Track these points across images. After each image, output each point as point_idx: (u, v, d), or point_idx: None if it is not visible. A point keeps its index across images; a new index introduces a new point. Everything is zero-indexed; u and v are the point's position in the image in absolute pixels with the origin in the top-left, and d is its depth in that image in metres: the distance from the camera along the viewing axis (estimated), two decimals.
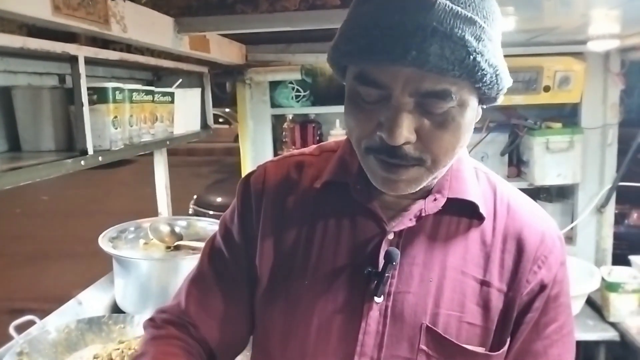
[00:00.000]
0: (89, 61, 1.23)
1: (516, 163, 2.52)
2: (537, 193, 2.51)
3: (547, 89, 2.26)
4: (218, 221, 0.97)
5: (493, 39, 0.66)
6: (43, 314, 1.77)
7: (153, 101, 1.59)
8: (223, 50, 2.01)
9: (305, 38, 2.29)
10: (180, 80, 1.94)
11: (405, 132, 0.66)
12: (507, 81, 0.70)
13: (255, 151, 2.52)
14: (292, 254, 0.83)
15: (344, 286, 0.79)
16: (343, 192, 0.82)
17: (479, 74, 0.65)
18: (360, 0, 0.69)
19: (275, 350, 0.84)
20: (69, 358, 1.52)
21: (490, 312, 0.78)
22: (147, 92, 1.55)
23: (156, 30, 1.43)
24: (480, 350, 0.78)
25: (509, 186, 0.86)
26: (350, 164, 0.82)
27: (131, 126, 1.44)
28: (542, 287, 0.79)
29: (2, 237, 6.29)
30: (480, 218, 0.80)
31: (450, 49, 0.62)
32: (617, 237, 2.48)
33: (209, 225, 2.09)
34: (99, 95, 1.27)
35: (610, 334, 2.02)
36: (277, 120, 2.58)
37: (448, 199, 0.79)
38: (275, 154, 2.52)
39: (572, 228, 2.45)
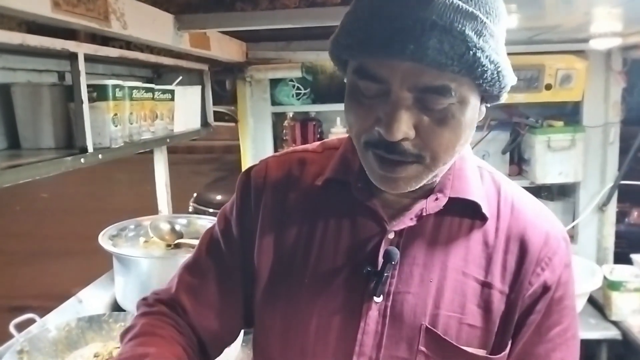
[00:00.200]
0: (88, 58, 1.22)
1: (517, 161, 2.52)
2: (539, 191, 2.50)
3: (548, 87, 2.25)
4: None
5: (495, 36, 0.65)
6: (43, 311, 1.76)
7: (153, 99, 1.58)
8: (223, 47, 2.00)
9: (306, 35, 2.28)
10: (181, 77, 1.93)
11: (404, 127, 0.65)
12: (510, 79, 0.69)
13: (256, 149, 2.52)
14: (292, 252, 0.83)
15: (344, 285, 0.79)
16: (344, 190, 0.81)
17: (479, 70, 0.63)
18: None
19: (275, 349, 0.83)
20: (69, 356, 1.52)
21: (491, 314, 0.77)
22: (147, 90, 1.54)
23: (156, 27, 1.42)
24: (481, 352, 0.77)
25: (513, 186, 0.85)
26: (352, 161, 0.81)
27: (131, 124, 1.43)
28: (545, 289, 0.77)
29: (2, 234, 6.29)
30: (483, 218, 0.79)
31: (449, 43, 0.61)
32: (617, 235, 2.48)
33: (209, 224, 2.06)
34: (98, 93, 1.26)
35: (612, 333, 2.02)
36: (278, 118, 2.57)
37: (450, 198, 0.78)
38: (276, 152, 2.51)
39: (573, 227, 2.45)
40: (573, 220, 2.46)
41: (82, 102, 1.19)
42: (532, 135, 2.36)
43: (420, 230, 0.78)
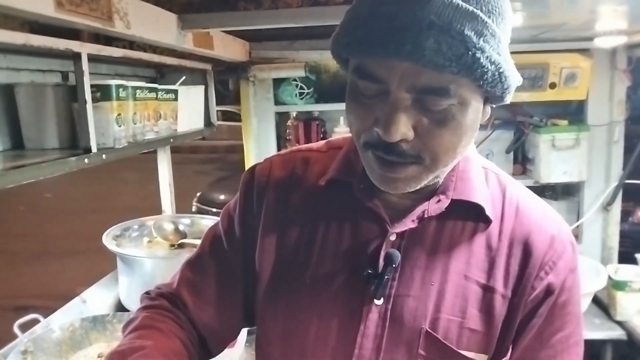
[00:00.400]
0: (92, 58, 1.22)
1: (521, 161, 2.51)
2: (543, 191, 2.49)
3: (553, 85, 2.24)
4: None
5: (497, 35, 0.63)
6: (47, 311, 1.77)
7: (157, 99, 1.58)
8: (227, 47, 2.00)
9: (309, 35, 2.28)
10: (184, 77, 1.93)
11: (402, 129, 0.64)
12: (513, 80, 0.67)
13: (259, 149, 2.51)
14: (294, 252, 0.82)
15: (344, 287, 0.78)
16: (347, 190, 0.80)
17: (479, 71, 0.62)
18: None
19: (276, 350, 0.83)
20: (73, 357, 1.52)
21: (493, 318, 0.76)
22: (151, 90, 1.54)
23: (160, 26, 1.42)
24: (482, 357, 0.76)
25: (520, 187, 0.83)
26: (355, 162, 0.80)
27: (135, 124, 1.43)
28: (548, 293, 0.76)
29: (6, 234, 6.31)
30: (487, 221, 0.77)
31: (447, 44, 0.60)
32: (621, 234, 2.47)
33: (213, 223, 2.08)
34: (102, 93, 1.26)
35: (617, 333, 2.01)
36: (281, 117, 2.57)
37: (453, 200, 0.77)
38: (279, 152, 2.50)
39: (578, 226, 2.44)
40: (577, 220, 2.45)
41: (85, 102, 1.19)
42: (536, 134, 2.35)
43: (422, 233, 0.77)
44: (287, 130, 2.55)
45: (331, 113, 2.53)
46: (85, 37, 1.28)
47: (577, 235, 2.46)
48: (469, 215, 0.78)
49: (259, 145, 2.51)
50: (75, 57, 1.17)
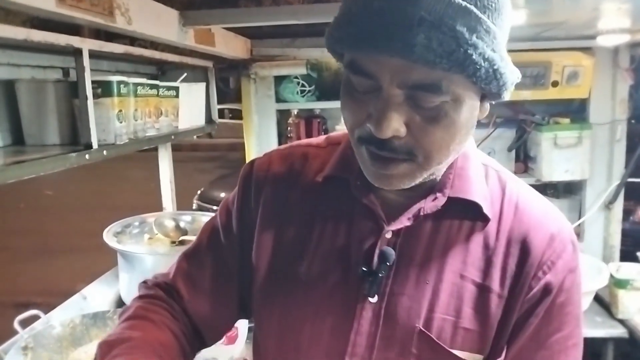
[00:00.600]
0: (93, 54, 1.22)
1: (523, 159, 2.50)
2: (544, 189, 2.49)
3: (555, 84, 2.24)
4: None
5: (492, 32, 0.61)
6: (47, 308, 1.77)
7: (158, 95, 1.58)
8: (228, 44, 1.99)
9: (311, 32, 2.27)
10: (185, 74, 1.92)
11: (393, 125, 0.63)
12: (510, 76, 0.65)
13: (260, 146, 2.51)
14: (290, 248, 0.82)
15: (339, 284, 0.77)
16: (344, 187, 0.80)
17: (471, 68, 0.60)
18: None
19: (272, 345, 0.83)
20: (73, 353, 1.52)
21: (488, 318, 0.74)
22: (152, 86, 1.53)
23: (161, 23, 1.42)
24: (477, 357, 0.75)
25: (521, 185, 0.81)
26: (352, 158, 0.78)
27: (136, 120, 1.43)
28: (546, 293, 0.74)
29: (7, 231, 6.31)
30: (485, 219, 0.76)
31: (438, 40, 0.58)
32: (623, 233, 2.47)
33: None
34: (103, 89, 1.26)
35: (619, 331, 2.01)
36: (282, 115, 2.56)
37: (450, 198, 0.75)
38: None
39: (579, 224, 2.44)
40: (579, 218, 2.44)
41: (86, 98, 1.19)
42: (538, 133, 2.34)
43: (418, 231, 0.76)
44: (289, 128, 2.55)
45: (332, 111, 2.52)
46: (86, 33, 1.27)
47: (579, 233, 2.45)
48: (467, 213, 0.76)
49: (260, 143, 2.50)
50: (77, 53, 1.17)
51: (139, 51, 1.51)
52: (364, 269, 0.75)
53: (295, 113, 2.53)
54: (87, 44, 1.19)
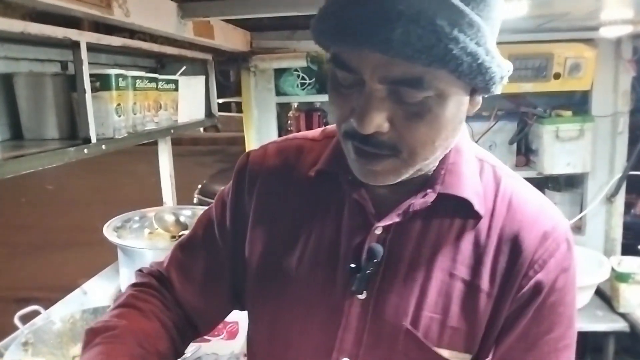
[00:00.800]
0: (91, 47, 1.21)
1: (525, 152, 2.48)
2: (545, 182, 2.48)
3: (557, 76, 2.21)
4: None
5: (476, 25, 0.59)
6: (48, 303, 1.76)
7: (157, 89, 1.57)
8: (227, 36, 1.97)
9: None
10: (184, 67, 1.91)
11: (376, 120, 0.62)
12: (498, 70, 0.63)
13: (260, 140, 2.50)
14: (282, 243, 0.81)
15: (329, 280, 0.77)
16: (336, 182, 0.79)
17: (452, 62, 0.58)
18: None
19: (264, 339, 0.84)
20: (73, 348, 1.52)
21: (477, 316, 0.73)
22: (151, 80, 1.52)
23: (160, 15, 1.40)
24: (465, 356, 0.74)
25: (516, 181, 0.79)
26: (344, 153, 0.77)
27: (135, 114, 1.42)
28: (536, 292, 0.72)
29: (7, 226, 6.31)
30: (476, 216, 0.74)
31: (416, 34, 0.56)
32: (624, 226, 2.45)
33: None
34: (101, 82, 1.25)
35: (620, 325, 2.00)
36: (282, 108, 2.55)
37: (440, 194, 0.74)
38: None
39: (581, 218, 2.43)
40: (581, 212, 2.43)
41: (84, 91, 1.18)
42: (540, 125, 2.32)
43: (408, 228, 0.75)
44: (289, 121, 2.54)
45: None
46: (85, 26, 1.26)
47: (580, 226, 2.45)
48: (458, 209, 0.75)
49: (260, 137, 2.49)
50: (74, 45, 1.15)
51: (138, 44, 1.50)
52: (353, 265, 0.74)
53: (296, 106, 2.51)
54: (85, 37, 1.17)
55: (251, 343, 0.88)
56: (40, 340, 1.47)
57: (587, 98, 2.36)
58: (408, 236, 0.75)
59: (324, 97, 2.45)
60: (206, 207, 0.97)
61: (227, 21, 1.94)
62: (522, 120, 2.42)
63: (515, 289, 0.72)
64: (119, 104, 1.30)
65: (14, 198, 7.17)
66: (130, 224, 1.99)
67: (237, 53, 2.27)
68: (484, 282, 0.73)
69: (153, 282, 0.90)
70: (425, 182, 0.75)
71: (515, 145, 2.45)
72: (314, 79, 2.42)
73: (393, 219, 0.74)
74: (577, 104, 2.40)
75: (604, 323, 2.01)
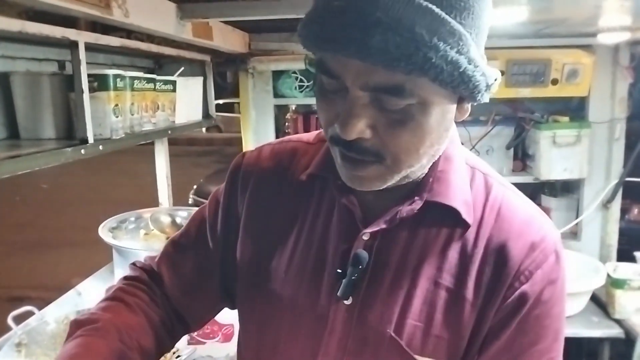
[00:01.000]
0: (89, 47, 1.20)
1: (521, 157, 2.49)
2: (542, 187, 2.48)
3: (555, 82, 2.22)
4: None
5: (458, 33, 0.58)
6: (41, 302, 1.75)
7: (154, 89, 1.56)
8: (226, 38, 1.97)
9: None
10: (182, 68, 1.90)
11: (358, 127, 0.62)
12: (482, 79, 0.62)
13: (258, 141, 2.49)
14: (273, 246, 0.82)
15: (316, 284, 0.77)
16: (327, 186, 0.79)
17: (432, 71, 0.57)
18: None
19: (253, 340, 0.84)
20: None
21: (461, 326, 0.72)
22: (149, 80, 1.52)
23: (159, 16, 1.40)
24: None
25: (507, 190, 0.78)
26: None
27: (132, 115, 1.41)
28: (521, 303, 0.71)
29: (1, 225, 6.27)
30: (464, 225, 0.73)
31: (395, 42, 0.55)
32: (619, 232, 2.45)
33: None
34: (99, 83, 1.24)
35: (615, 331, 2.00)
36: (280, 110, 2.55)
37: (428, 202, 0.73)
38: None
39: (577, 224, 2.43)
40: (577, 217, 2.43)
41: (82, 92, 1.17)
42: (537, 131, 2.33)
43: (396, 235, 0.75)
44: (286, 124, 2.53)
45: None
46: (82, 26, 1.25)
47: (576, 232, 2.45)
48: (446, 218, 0.74)
49: (257, 138, 2.48)
50: (72, 45, 1.15)
51: (136, 44, 1.49)
52: (339, 270, 0.74)
53: (293, 108, 2.51)
54: (83, 37, 1.17)
55: (240, 343, 0.89)
56: (33, 341, 1.46)
57: (584, 104, 2.36)
58: (395, 243, 0.75)
59: None
60: None
61: (226, 23, 1.93)
62: (519, 126, 2.42)
63: (499, 300, 0.72)
64: (116, 105, 1.29)
65: (8, 197, 7.14)
66: (125, 224, 1.99)
67: (236, 54, 2.26)
68: (469, 292, 0.72)
69: (144, 277, 0.91)
70: (414, 189, 0.74)
71: (512, 150, 2.45)
72: (312, 82, 2.41)
73: (380, 225, 0.74)
74: (575, 110, 2.41)
75: (600, 329, 2.01)
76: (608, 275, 2.05)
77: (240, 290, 0.86)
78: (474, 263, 0.72)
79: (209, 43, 1.78)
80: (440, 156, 0.74)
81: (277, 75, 2.41)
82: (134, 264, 0.95)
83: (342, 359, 0.75)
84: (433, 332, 0.72)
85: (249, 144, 2.50)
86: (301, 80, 2.39)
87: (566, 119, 2.32)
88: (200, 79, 2.05)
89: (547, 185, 2.48)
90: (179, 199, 2.54)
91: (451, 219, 0.74)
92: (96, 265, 2.17)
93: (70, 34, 1.13)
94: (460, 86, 0.61)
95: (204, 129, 10.81)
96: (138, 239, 1.93)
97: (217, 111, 2.28)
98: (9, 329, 1.51)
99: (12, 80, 1.20)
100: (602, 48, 2.23)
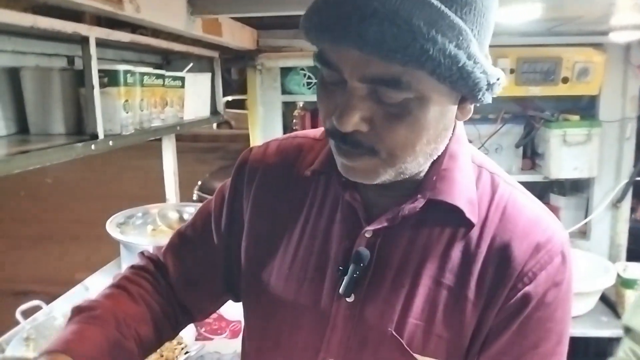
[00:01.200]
0: (98, 43, 1.19)
1: (531, 155, 2.47)
2: (550, 186, 2.47)
3: (565, 80, 2.20)
4: None
5: (458, 27, 0.58)
6: (46, 296, 1.75)
7: (163, 85, 1.55)
8: (235, 34, 1.96)
9: None
10: (191, 64, 1.89)
11: (354, 119, 0.62)
12: (482, 77, 0.61)
13: (265, 138, 2.44)
14: (277, 241, 0.82)
15: (319, 281, 0.77)
16: (331, 182, 0.79)
17: (429, 63, 0.57)
18: None
19: (256, 335, 0.85)
20: None
21: (462, 326, 0.72)
22: (158, 76, 1.51)
23: (170, 11, 1.39)
24: None
25: (514, 189, 0.76)
26: None
27: (142, 110, 1.40)
28: (523, 305, 0.70)
29: (7, 219, 6.30)
30: (468, 224, 0.72)
31: (392, 33, 0.55)
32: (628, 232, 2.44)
33: None
34: (109, 78, 1.23)
35: None
36: (288, 107, 2.53)
37: (430, 200, 0.72)
38: None
39: (586, 223, 2.41)
40: (586, 217, 2.42)
41: (93, 87, 1.16)
42: (547, 129, 2.31)
43: (399, 233, 0.74)
44: (294, 120, 2.52)
45: None
46: (87, 20, 1.24)
47: (585, 232, 2.44)
48: (449, 217, 0.73)
49: (265, 135, 2.47)
50: (83, 41, 1.14)
51: (146, 40, 1.49)
52: (341, 267, 0.74)
53: (301, 105, 2.50)
54: (94, 32, 1.16)
55: (244, 338, 0.90)
56: (41, 336, 1.46)
57: (594, 103, 2.34)
58: (398, 241, 0.74)
59: None
60: None
61: (235, 19, 1.92)
62: (529, 124, 2.40)
63: (501, 300, 0.70)
64: (126, 100, 1.29)
65: (13, 191, 7.16)
66: (133, 220, 1.98)
67: (244, 51, 2.25)
68: (471, 292, 0.71)
69: (150, 267, 0.92)
70: (417, 187, 0.74)
71: (521, 148, 2.44)
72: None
73: (382, 223, 0.73)
74: (585, 108, 2.39)
75: (609, 329, 2.00)
76: (618, 275, 2.04)
77: (244, 284, 0.86)
78: (477, 263, 0.71)
79: (219, 39, 1.77)
80: (444, 154, 0.73)
81: (285, 72, 2.40)
82: (142, 253, 0.97)
83: (344, 356, 0.75)
84: (434, 332, 0.72)
85: (257, 141, 2.49)
86: (309, 77, 2.38)
87: (576, 117, 2.30)
88: (208, 75, 2.04)
89: (556, 184, 2.46)
90: (183, 195, 2.54)
91: (455, 217, 0.73)
92: (101, 260, 2.17)
93: (82, 29, 1.12)
94: (459, 82, 0.60)
95: (214, 125, 10.82)
96: (145, 234, 1.93)
97: (227, 108, 2.28)
98: (14, 320, 1.51)
99: (22, 75, 1.19)
100: (614, 46, 2.21)
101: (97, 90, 1.17)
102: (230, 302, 0.96)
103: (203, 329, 1.69)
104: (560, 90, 2.23)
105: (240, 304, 0.91)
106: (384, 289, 0.73)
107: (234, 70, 2.69)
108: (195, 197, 4.83)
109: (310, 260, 0.78)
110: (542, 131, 2.36)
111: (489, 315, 0.71)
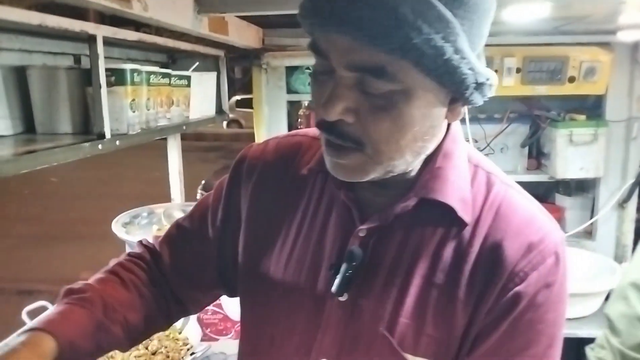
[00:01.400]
0: (104, 41, 1.18)
1: (536, 155, 2.46)
2: (556, 186, 2.45)
3: (572, 79, 2.19)
4: None
5: (446, 20, 0.58)
6: (51, 296, 1.74)
7: (170, 84, 1.55)
8: (241, 33, 1.95)
9: None
10: (197, 63, 1.89)
11: (339, 107, 0.62)
12: (469, 73, 0.60)
13: (270, 137, 2.47)
14: (273, 240, 0.82)
15: (313, 280, 0.77)
16: (327, 181, 0.79)
17: (413, 52, 0.57)
18: None
19: (252, 333, 0.85)
20: None
21: (453, 326, 0.71)
22: (164, 75, 1.50)
23: (177, 10, 1.38)
24: None
25: (509, 189, 0.75)
26: None
27: (148, 110, 1.40)
28: (513, 305, 0.69)
29: (11, 218, 6.31)
30: (461, 223, 0.72)
31: (377, 19, 0.56)
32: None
33: None
34: (116, 77, 1.23)
35: None
36: (293, 106, 2.53)
37: (424, 199, 0.72)
38: None
39: (592, 223, 2.40)
40: (591, 217, 2.41)
41: (100, 86, 1.16)
42: (553, 129, 2.30)
43: (392, 232, 0.74)
44: (299, 119, 2.51)
45: None
46: (91, 18, 1.24)
47: (591, 232, 2.42)
48: (442, 216, 0.72)
49: (270, 134, 2.46)
50: (91, 39, 1.13)
51: (152, 39, 1.48)
52: (335, 266, 0.74)
53: (306, 104, 2.49)
54: (101, 31, 1.15)
55: (241, 336, 0.90)
56: None
57: (601, 102, 2.33)
58: (391, 241, 0.74)
59: None
60: None
61: (241, 17, 1.91)
62: (534, 123, 2.39)
63: (492, 300, 0.70)
64: (133, 99, 1.28)
65: (18, 190, 7.18)
66: (138, 220, 1.98)
67: (249, 50, 2.24)
68: (462, 291, 0.71)
69: (146, 256, 0.93)
70: (411, 186, 0.73)
71: (527, 148, 2.42)
72: None
73: (375, 222, 0.74)
74: (591, 108, 2.38)
75: None
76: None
77: (240, 281, 0.87)
78: (468, 262, 0.71)
79: (225, 38, 1.76)
80: (438, 153, 0.73)
81: (291, 71, 2.39)
82: (140, 242, 0.98)
83: (336, 356, 0.75)
84: (425, 331, 0.72)
85: (262, 140, 2.47)
86: None
87: (583, 117, 2.29)
88: (214, 74, 2.04)
89: (561, 184, 2.45)
90: (187, 194, 2.54)
91: (448, 217, 0.72)
92: (106, 260, 2.16)
93: (89, 27, 1.12)
94: (445, 77, 0.60)
95: (224, 124, 10.84)
96: (151, 234, 1.92)
97: (237, 107, 2.27)
98: (18, 319, 1.51)
99: (29, 74, 1.19)
100: (621, 46, 2.19)
101: (104, 90, 1.17)
102: (235, 303, 0.95)
103: (208, 330, 1.69)
104: (567, 89, 2.22)
105: None
106: (377, 288, 0.74)
107: (237, 69, 2.68)
108: (199, 196, 4.81)
109: (306, 259, 0.79)
110: (548, 131, 2.35)
111: (479, 315, 0.71)
